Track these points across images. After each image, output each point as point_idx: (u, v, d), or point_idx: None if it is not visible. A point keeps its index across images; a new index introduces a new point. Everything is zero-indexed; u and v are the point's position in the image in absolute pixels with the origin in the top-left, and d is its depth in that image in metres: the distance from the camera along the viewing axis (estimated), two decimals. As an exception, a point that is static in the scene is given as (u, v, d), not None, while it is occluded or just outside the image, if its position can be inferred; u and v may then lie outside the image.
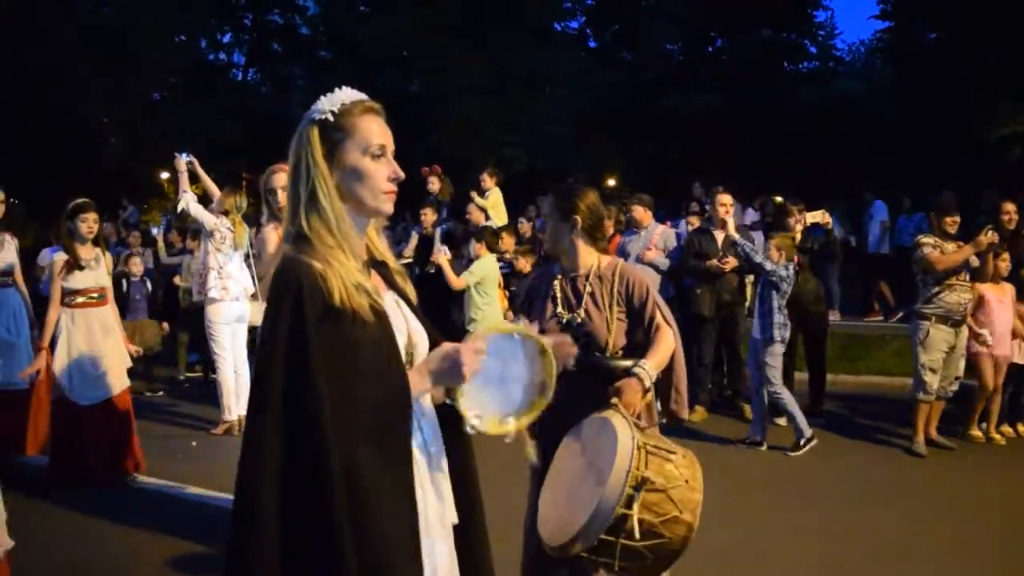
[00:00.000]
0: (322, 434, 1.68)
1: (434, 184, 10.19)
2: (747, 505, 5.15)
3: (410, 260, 9.76)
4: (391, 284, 1.98)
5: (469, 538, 1.98)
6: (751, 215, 12.38)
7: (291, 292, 1.76)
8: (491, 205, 9.78)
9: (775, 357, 6.42)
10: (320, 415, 1.69)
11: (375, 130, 1.88)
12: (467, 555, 1.97)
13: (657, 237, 7.72)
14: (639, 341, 3.18)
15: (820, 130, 22.24)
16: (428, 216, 9.93)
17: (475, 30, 19.50)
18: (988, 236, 6.31)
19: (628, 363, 3.06)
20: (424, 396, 1.89)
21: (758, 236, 10.24)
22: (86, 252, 5.68)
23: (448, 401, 1.89)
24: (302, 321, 1.73)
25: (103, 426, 5.67)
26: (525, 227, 10.41)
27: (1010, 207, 7.47)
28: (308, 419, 1.69)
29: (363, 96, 1.93)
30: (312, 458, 1.68)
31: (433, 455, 1.91)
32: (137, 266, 9.30)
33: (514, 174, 17.74)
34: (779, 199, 9.49)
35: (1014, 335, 6.81)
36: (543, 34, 21.50)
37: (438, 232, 9.86)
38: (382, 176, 1.88)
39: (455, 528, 1.95)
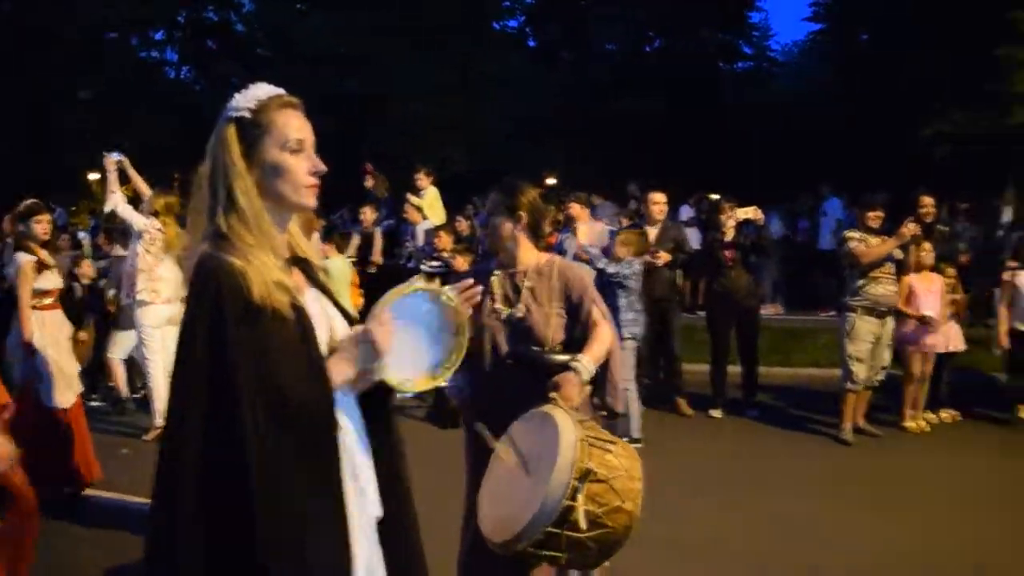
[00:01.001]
0: (242, 430, 1.67)
1: (369, 181, 10.15)
2: (678, 496, 5.23)
3: (353, 259, 9.69)
4: (313, 281, 1.98)
5: (396, 530, 1.97)
6: (686, 212, 12.59)
7: (209, 291, 1.75)
8: (427, 204, 9.75)
9: (626, 353, 6.48)
10: (240, 412, 1.68)
11: (293, 124, 1.87)
12: (394, 548, 1.96)
13: (592, 235, 7.80)
14: (577, 336, 3.22)
15: (758, 129, 22.63)
16: (368, 215, 9.88)
17: (415, 29, 19.42)
18: (909, 228, 6.52)
19: (566, 358, 3.11)
20: (346, 386, 1.89)
21: (694, 232, 10.45)
22: (43, 253, 5.58)
23: (374, 380, 1.89)
24: (221, 320, 1.72)
25: (68, 431, 5.51)
26: (463, 226, 10.41)
27: (927, 200, 7.76)
28: (228, 417, 1.69)
29: (280, 91, 1.91)
30: (232, 455, 1.68)
31: (355, 446, 1.91)
32: (88, 269, 8.91)
33: (454, 174, 17.73)
34: (714, 196, 9.68)
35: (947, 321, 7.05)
36: (484, 33, 21.50)
37: (378, 231, 9.82)
38: (302, 170, 1.87)
39: (382, 520, 1.94)
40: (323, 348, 1.87)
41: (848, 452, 6.45)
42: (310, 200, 1.91)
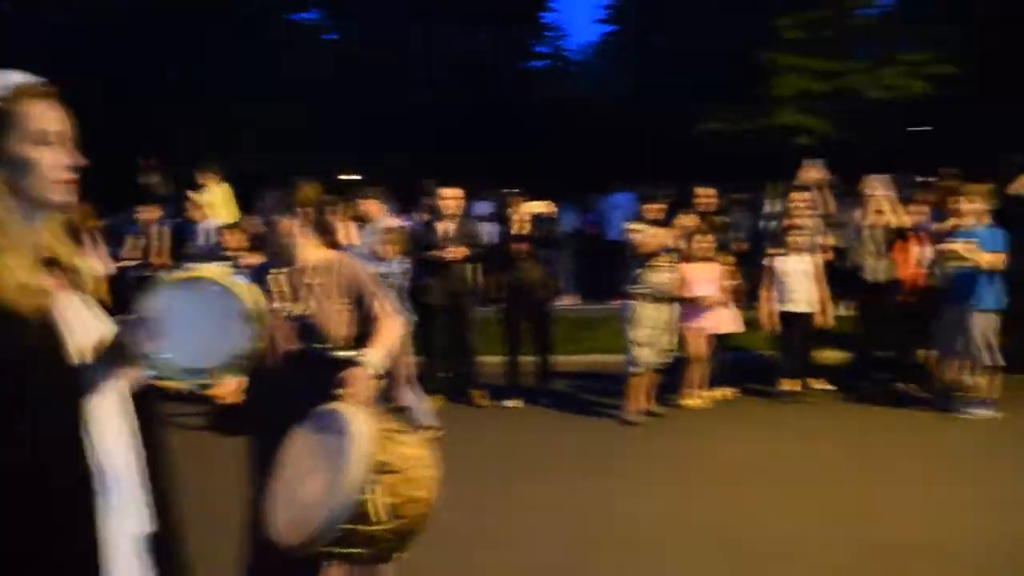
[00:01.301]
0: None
1: (150, 178, 9.70)
2: (476, 485, 5.30)
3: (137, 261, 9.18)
4: (71, 283, 1.83)
5: (163, 546, 1.85)
6: (482, 207, 12.75)
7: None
8: (217, 202, 9.40)
9: None
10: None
11: (45, 116, 1.72)
12: (162, 564, 1.84)
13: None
14: (364, 331, 3.19)
15: (554, 126, 23.31)
16: (147, 213, 9.40)
17: (186, 20, 18.57)
18: (686, 220, 6.94)
19: (353, 353, 3.08)
20: (108, 392, 1.76)
21: (492, 227, 10.58)
22: None
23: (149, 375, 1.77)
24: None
25: None
26: (250, 224, 10.07)
27: (703, 192, 8.28)
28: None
29: (32, 79, 1.74)
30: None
31: (114, 459, 1.78)
32: None
33: (245, 171, 17.13)
34: (508, 192, 9.89)
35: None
36: (270, 26, 20.88)
37: (162, 228, 9.38)
38: (53, 165, 1.72)
39: (150, 536, 1.82)
40: (82, 353, 1.73)
41: (633, 432, 6.78)
42: (62, 196, 1.76)
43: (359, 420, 2.63)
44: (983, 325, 6.85)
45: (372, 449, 2.52)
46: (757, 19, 13.07)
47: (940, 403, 7.15)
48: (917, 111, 14.54)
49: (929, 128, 16.58)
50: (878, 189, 7.87)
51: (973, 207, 7.07)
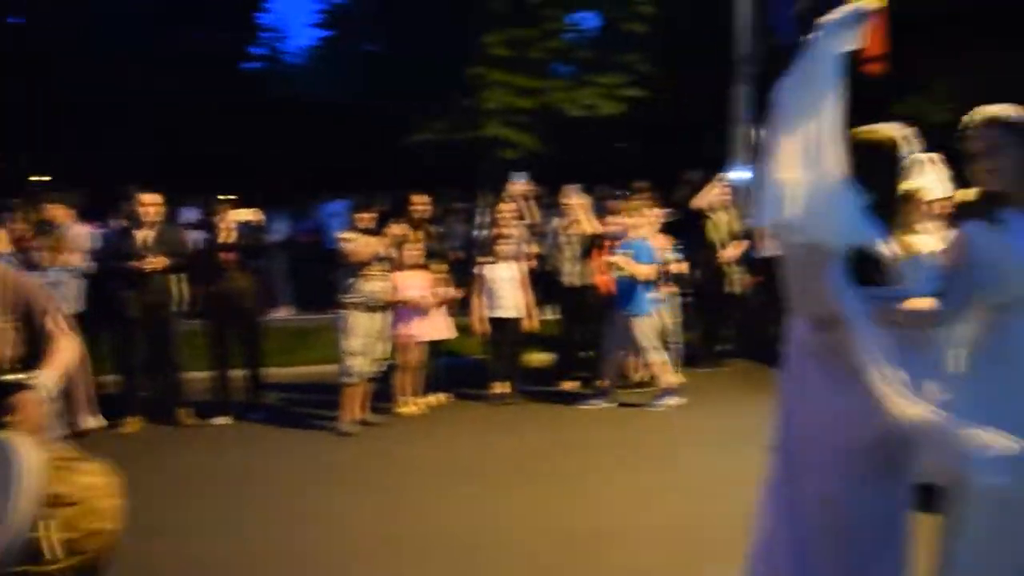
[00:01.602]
0: None
1: None
2: (179, 508, 5.00)
3: None
4: None
5: None
6: (189, 214, 12.09)
7: None
8: None
9: None
10: None
11: None
12: None
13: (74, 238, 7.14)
14: (37, 352, 2.88)
15: (268, 130, 22.57)
16: None
17: None
18: (397, 228, 7.02)
19: (23, 376, 2.77)
20: None
21: (198, 235, 10.03)
22: None
23: None
24: None
25: None
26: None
27: (418, 200, 8.42)
28: None
29: None
30: None
31: None
32: None
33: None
34: (215, 198, 9.42)
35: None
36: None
37: None
38: None
39: None
40: None
41: (348, 442, 6.73)
42: None
43: (27, 449, 2.39)
44: (643, 328, 7.55)
45: (43, 481, 2.31)
46: (468, 34, 13.54)
47: (601, 397, 7.74)
48: (616, 129, 15.84)
49: (625, 145, 18.12)
50: (573, 198, 8.45)
51: (635, 221, 7.78)
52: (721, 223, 9.24)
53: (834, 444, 2.81)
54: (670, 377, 7.70)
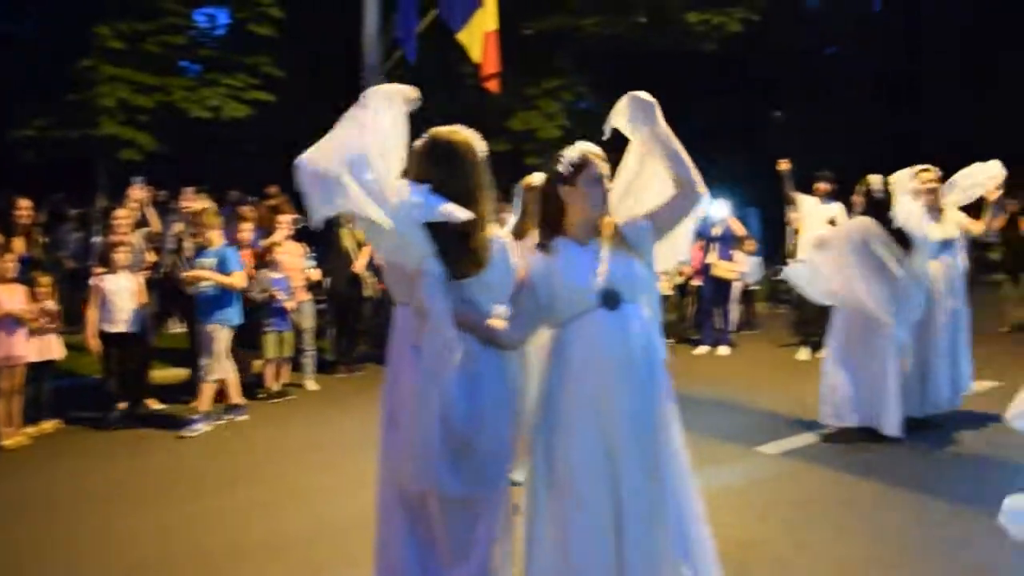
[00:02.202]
0: None
1: None
2: None
3: None
4: None
5: None
6: None
7: None
8: None
9: None
10: None
11: None
12: None
13: None
14: None
15: None
16: None
17: None
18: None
19: None
20: None
21: None
22: None
23: None
24: None
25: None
26: None
27: (23, 204, 7.62)
28: None
29: None
30: None
31: None
32: None
33: None
34: None
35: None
36: None
37: None
38: None
39: None
40: None
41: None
42: None
43: None
44: (223, 339, 7.18)
45: None
46: (78, 23, 12.31)
47: (205, 420, 7.10)
48: (249, 132, 15.28)
49: (254, 149, 17.55)
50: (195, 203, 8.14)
51: (217, 232, 7.42)
52: (355, 230, 9.37)
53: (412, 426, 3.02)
54: (208, 404, 7.20)
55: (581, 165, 3.12)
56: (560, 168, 3.14)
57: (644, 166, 3.34)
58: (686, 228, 3.37)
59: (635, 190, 3.37)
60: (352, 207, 2.79)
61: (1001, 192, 6.88)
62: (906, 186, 6.47)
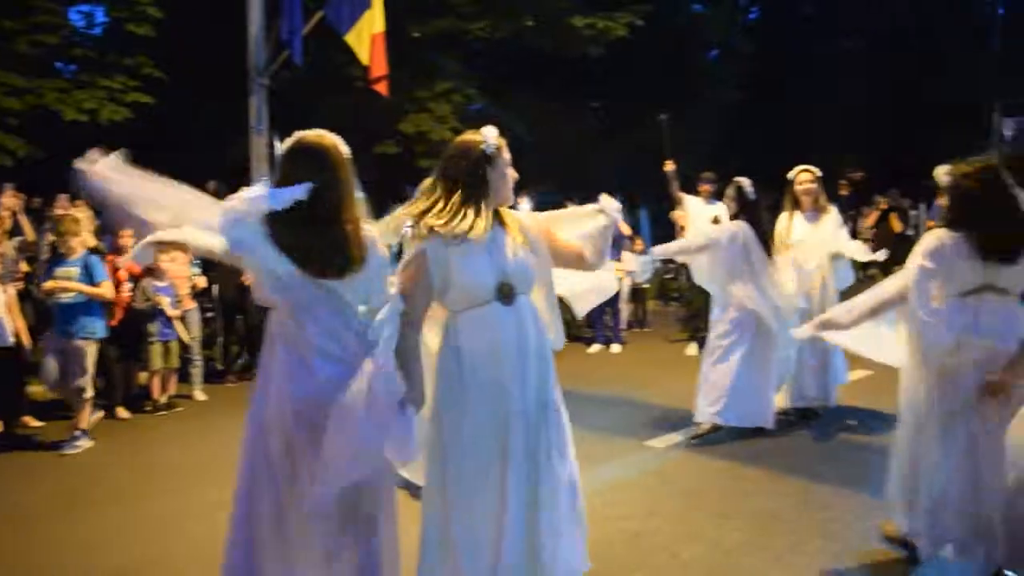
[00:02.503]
0: None
1: None
2: None
3: None
4: None
5: None
6: None
7: None
8: None
9: None
10: None
11: None
12: None
13: None
14: None
15: None
16: None
17: None
18: None
19: None
20: None
21: None
22: None
23: None
24: None
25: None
26: None
27: None
28: None
29: None
30: None
31: None
32: None
33: None
34: None
35: None
36: None
37: None
38: None
39: None
40: None
41: None
42: None
43: None
44: (92, 352, 6.81)
45: None
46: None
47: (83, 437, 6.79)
48: (129, 136, 14.62)
49: (133, 153, 16.85)
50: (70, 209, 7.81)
51: (80, 239, 6.98)
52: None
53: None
54: (87, 417, 6.88)
55: (499, 148, 3.16)
56: (485, 148, 3.13)
57: (584, 214, 3.48)
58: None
59: (563, 214, 3.52)
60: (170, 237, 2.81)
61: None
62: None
